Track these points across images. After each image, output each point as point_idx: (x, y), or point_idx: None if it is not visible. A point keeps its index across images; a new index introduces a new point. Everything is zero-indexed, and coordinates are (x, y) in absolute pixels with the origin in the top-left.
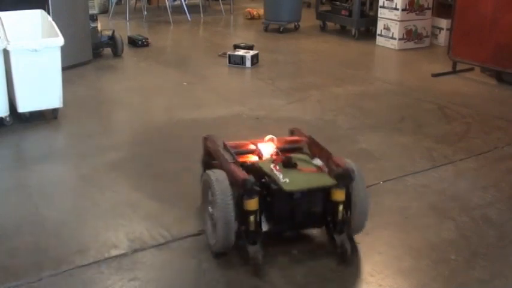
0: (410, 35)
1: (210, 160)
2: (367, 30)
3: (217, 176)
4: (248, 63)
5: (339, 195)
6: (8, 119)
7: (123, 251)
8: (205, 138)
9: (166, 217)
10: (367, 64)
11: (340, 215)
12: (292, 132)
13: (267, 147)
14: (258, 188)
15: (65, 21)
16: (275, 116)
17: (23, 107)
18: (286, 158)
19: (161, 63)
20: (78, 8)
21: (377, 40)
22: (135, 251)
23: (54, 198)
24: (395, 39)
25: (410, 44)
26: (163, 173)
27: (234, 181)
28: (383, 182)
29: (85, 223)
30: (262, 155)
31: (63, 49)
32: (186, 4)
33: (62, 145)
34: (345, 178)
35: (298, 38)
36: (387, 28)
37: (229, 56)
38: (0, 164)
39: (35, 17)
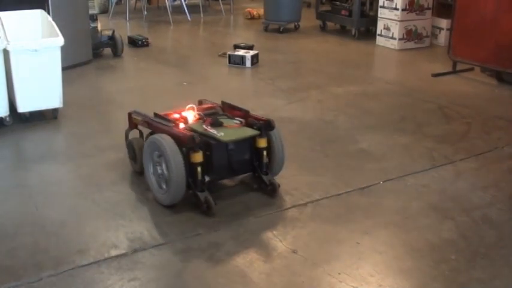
0: (410, 35)
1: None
2: (367, 30)
3: (165, 138)
4: (248, 63)
5: (263, 142)
6: (8, 119)
7: (123, 251)
8: (130, 113)
9: (166, 217)
10: (367, 64)
11: (264, 159)
12: (200, 102)
13: (190, 114)
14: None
15: (65, 21)
16: (275, 116)
17: (23, 107)
18: (213, 118)
19: (161, 63)
20: (78, 8)
21: (377, 40)
22: (135, 251)
23: (54, 198)
24: (395, 39)
25: (411, 44)
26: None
27: (180, 140)
28: (383, 182)
29: (85, 223)
30: (188, 120)
31: (63, 49)
32: (186, 4)
33: (62, 145)
34: (267, 127)
35: (298, 38)
36: (387, 28)
37: (229, 56)
38: (0, 164)
39: (35, 17)
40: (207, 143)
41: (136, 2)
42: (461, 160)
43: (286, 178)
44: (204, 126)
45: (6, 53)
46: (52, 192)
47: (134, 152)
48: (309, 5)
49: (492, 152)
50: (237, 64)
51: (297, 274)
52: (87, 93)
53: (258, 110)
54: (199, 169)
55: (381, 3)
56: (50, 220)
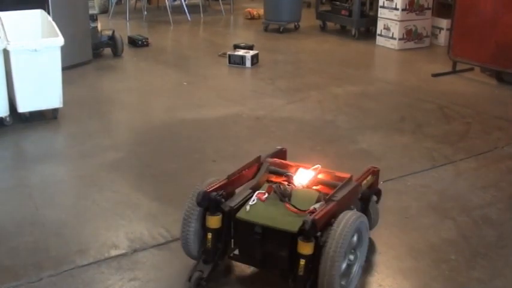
0: (410, 35)
1: None
2: (367, 30)
3: (204, 181)
4: (248, 63)
5: (303, 248)
6: (8, 119)
7: (123, 251)
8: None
9: (166, 217)
10: (367, 64)
11: (301, 271)
12: (369, 171)
13: (304, 176)
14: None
15: (65, 21)
16: (275, 116)
17: (23, 107)
18: (283, 188)
19: (161, 63)
20: (78, 8)
21: (377, 40)
22: (135, 251)
23: (54, 198)
24: (395, 39)
25: (410, 44)
26: (163, 173)
27: None
28: (383, 182)
29: (85, 223)
30: (291, 181)
31: (63, 49)
32: (186, 4)
33: (62, 145)
34: (306, 229)
35: (298, 38)
36: (387, 28)
37: (229, 56)
38: (0, 164)
39: (35, 17)
40: (230, 209)
41: (136, 2)
42: (461, 160)
43: None
44: (259, 192)
45: (6, 53)
46: (52, 192)
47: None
48: (309, 5)
49: (492, 152)
50: (237, 64)
51: None
52: (87, 93)
53: (258, 110)
54: (209, 236)
55: (380, 3)
56: (50, 220)
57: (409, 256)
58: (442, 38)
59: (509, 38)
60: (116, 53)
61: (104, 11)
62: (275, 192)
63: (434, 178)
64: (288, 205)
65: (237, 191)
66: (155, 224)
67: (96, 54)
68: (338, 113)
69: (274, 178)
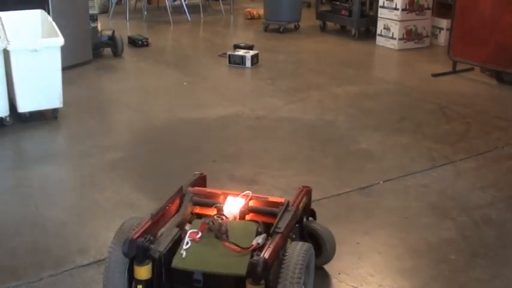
0: (410, 35)
1: None
2: (367, 30)
3: (124, 224)
4: (248, 63)
5: None
6: (8, 119)
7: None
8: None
9: None
10: (367, 64)
11: None
12: (302, 192)
13: (234, 204)
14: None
15: (65, 21)
16: (275, 116)
17: (23, 107)
18: (218, 225)
19: (161, 63)
20: (78, 8)
21: (377, 40)
22: None
23: (54, 198)
24: (395, 39)
25: (410, 44)
26: (163, 173)
27: None
28: (383, 182)
29: (85, 223)
30: (220, 211)
31: (63, 49)
32: (186, 4)
33: (62, 145)
34: (259, 271)
35: (298, 38)
36: (387, 28)
37: (229, 56)
38: (0, 164)
39: (35, 17)
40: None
41: (136, 2)
42: (461, 160)
43: (286, 178)
44: (197, 230)
45: (6, 53)
46: (52, 192)
47: None
48: (309, 5)
49: (492, 152)
50: (237, 64)
51: None
52: (87, 93)
53: (258, 110)
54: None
55: (380, 3)
56: (50, 220)
57: (408, 256)
58: (442, 38)
59: (509, 38)
60: (116, 53)
61: (104, 11)
62: (210, 229)
63: (434, 178)
64: (227, 243)
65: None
66: None
67: (96, 54)
68: (338, 113)
69: (199, 210)
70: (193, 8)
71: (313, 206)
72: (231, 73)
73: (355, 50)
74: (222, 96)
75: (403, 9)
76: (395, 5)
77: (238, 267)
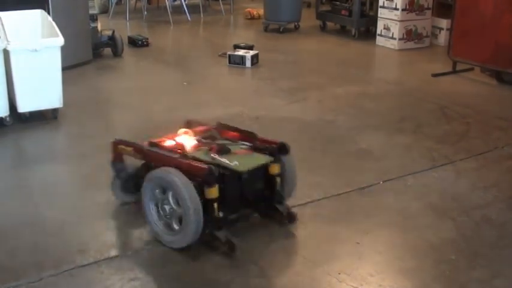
0: (410, 35)
1: (122, 165)
2: (367, 30)
3: (173, 172)
4: (248, 63)
5: (276, 169)
6: (8, 119)
7: (123, 251)
8: (116, 143)
9: None
10: (367, 64)
11: (278, 187)
12: (189, 123)
13: (188, 140)
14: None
15: (65, 21)
16: (275, 116)
17: (23, 107)
18: (219, 145)
19: (161, 63)
20: (78, 8)
21: (377, 40)
22: (135, 251)
23: (54, 198)
24: (395, 39)
25: (410, 44)
26: None
27: (193, 173)
28: (383, 182)
29: (85, 223)
30: (185, 148)
31: (63, 49)
32: (186, 4)
33: (62, 145)
34: (281, 151)
35: (298, 38)
36: (387, 28)
37: (229, 56)
38: (0, 164)
39: (35, 17)
40: (220, 175)
41: (136, 2)
42: (461, 160)
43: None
44: (212, 154)
45: (6, 53)
46: (52, 192)
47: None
48: (309, 5)
49: (492, 152)
50: (237, 64)
51: (297, 274)
52: (87, 93)
53: (258, 110)
54: (215, 205)
55: (380, 3)
56: (50, 220)
57: (409, 256)
58: (442, 38)
59: (509, 38)
60: (116, 53)
61: (104, 11)
62: (217, 150)
63: (434, 178)
64: (238, 152)
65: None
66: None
67: (96, 54)
68: (338, 113)
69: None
70: (193, 8)
71: (313, 205)
72: (231, 73)
73: (355, 50)
74: (222, 96)
75: (403, 9)
76: (395, 5)
77: (265, 158)
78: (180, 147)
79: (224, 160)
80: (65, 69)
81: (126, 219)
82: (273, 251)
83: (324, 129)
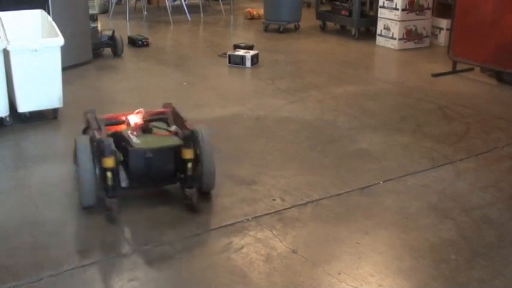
0: (410, 35)
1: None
2: (367, 30)
3: (81, 139)
4: (248, 63)
5: (187, 153)
6: (8, 119)
7: (122, 251)
8: (85, 112)
9: (166, 217)
10: (367, 64)
11: (189, 172)
12: (164, 106)
13: (135, 118)
14: (113, 148)
15: (65, 21)
16: (275, 116)
17: (23, 107)
18: (144, 125)
19: (161, 63)
20: (78, 8)
21: (377, 40)
22: (135, 251)
23: (54, 198)
24: (395, 39)
25: (410, 44)
26: None
27: (96, 143)
28: (383, 182)
29: (85, 223)
30: (129, 124)
31: (63, 49)
32: (186, 4)
33: (62, 145)
34: (189, 139)
35: (298, 38)
36: (387, 28)
37: (229, 56)
38: (0, 164)
39: (35, 17)
40: (124, 149)
41: (136, 2)
42: (461, 160)
43: (286, 178)
44: (129, 131)
45: (6, 53)
46: (52, 192)
47: None
48: (309, 5)
49: (492, 152)
50: (237, 64)
51: (297, 274)
52: (87, 93)
53: (258, 110)
54: (109, 174)
55: (380, 3)
56: (50, 220)
57: (409, 256)
58: (442, 38)
59: (509, 38)
60: (116, 53)
61: (104, 11)
62: (141, 129)
63: (434, 178)
64: (157, 133)
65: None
66: (155, 224)
67: (96, 54)
68: (338, 113)
69: (114, 127)
70: (193, 8)
71: (313, 205)
72: (231, 73)
73: (355, 50)
74: (222, 96)
75: (403, 9)
76: (395, 5)
77: (175, 141)
78: (126, 123)
79: (133, 137)
80: (65, 69)
81: (126, 219)
82: (274, 251)
83: (324, 129)
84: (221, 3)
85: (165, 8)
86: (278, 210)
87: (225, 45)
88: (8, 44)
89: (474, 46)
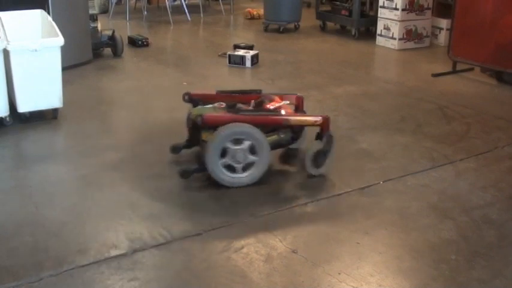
0: (410, 35)
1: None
2: (367, 30)
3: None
4: (248, 63)
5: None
6: (8, 119)
7: (123, 251)
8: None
9: (166, 217)
10: (367, 64)
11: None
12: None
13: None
14: None
15: (65, 21)
16: None
17: (23, 107)
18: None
19: (161, 63)
20: (78, 8)
21: (377, 40)
22: (135, 251)
23: (54, 198)
24: (395, 39)
25: (410, 44)
26: (164, 173)
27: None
28: (383, 182)
29: (85, 223)
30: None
31: (63, 49)
32: (186, 4)
33: (62, 145)
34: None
35: (298, 38)
36: (387, 28)
37: (229, 56)
38: (0, 164)
39: (35, 17)
40: None
41: (136, 2)
42: (461, 160)
43: (286, 178)
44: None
45: (6, 53)
46: (52, 192)
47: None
48: (309, 5)
49: (492, 152)
50: (237, 64)
51: (297, 274)
52: (87, 93)
53: None
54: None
55: (381, 3)
56: (50, 220)
57: (409, 256)
58: (442, 38)
59: (509, 38)
60: (116, 53)
61: (104, 11)
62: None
63: (434, 178)
64: None
65: None
66: (155, 224)
67: (96, 54)
68: (338, 113)
69: None
70: (193, 8)
71: (313, 205)
72: (231, 73)
73: (355, 50)
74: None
75: (403, 9)
76: (395, 5)
77: None
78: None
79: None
80: (65, 69)
81: (126, 219)
82: (274, 251)
83: None
84: (221, 3)
85: (165, 8)
86: (278, 210)
87: (225, 45)
88: (8, 44)
89: (474, 46)
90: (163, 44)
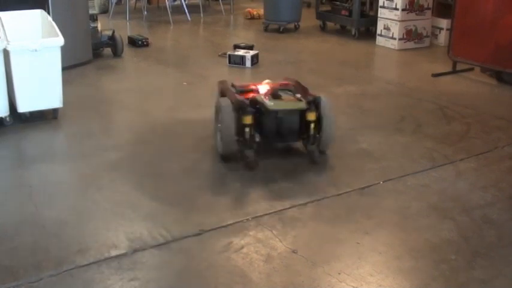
0: (410, 35)
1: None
2: (367, 30)
3: (224, 101)
4: (248, 63)
5: (311, 116)
6: (8, 119)
7: (123, 251)
8: (220, 82)
9: (166, 217)
10: (367, 64)
11: (311, 131)
12: (285, 79)
13: (264, 87)
14: (251, 108)
15: (65, 21)
16: None
17: (23, 107)
18: (274, 91)
19: (161, 63)
20: (78, 8)
21: (377, 40)
22: (135, 251)
23: (54, 198)
24: (395, 39)
25: (410, 44)
26: (164, 173)
27: (235, 104)
28: (383, 182)
29: (85, 223)
30: (259, 92)
31: (63, 49)
32: (186, 4)
33: (62, 145)
34: (313, 103)
35: (298, 38)
36: (387, 28)
37: (229, 56)
38: (0, 164)
39: (35, 17)
40: (261, 110)
41: (136, 2)
42: (461, 160)
43: (286, 178)
44: (263, 96)
45: (6, 53)
46: (52, 192)
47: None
48: (309, 5)
49: (492, 152)
50: (237, 64)
51: (297, 274)
52: (87, 93)
53: None
54: (247, 129)
55: (381, 3)
56: (50, 220)
57: (409, 256)
58: (442, 38)
59: (509, 38)
60: (116, 53)
61: (104, 11)
62: (271, 94)
63: (434, 178)
64: (286, 98)
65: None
66: (155, 224)
67: (96, 54)
68: (338, 113)
69: (247, 94)
70: (193, 8)
71: (313, 205)
72: (231, 73)
73: (355, 50)
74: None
75: (403, 9)
76: (395, 5)
77: (301, 105)
78: (256, 90)
79: (266, 101)
80: (65, 69)
81: (126, 219)
82: (274, 251)
83: None
84: (221, 3)
85: (165, 8)
86: (278, 210)
87: (225, 45)
88: (8, 44)
89: (474, 46)
90: (163, 44)
